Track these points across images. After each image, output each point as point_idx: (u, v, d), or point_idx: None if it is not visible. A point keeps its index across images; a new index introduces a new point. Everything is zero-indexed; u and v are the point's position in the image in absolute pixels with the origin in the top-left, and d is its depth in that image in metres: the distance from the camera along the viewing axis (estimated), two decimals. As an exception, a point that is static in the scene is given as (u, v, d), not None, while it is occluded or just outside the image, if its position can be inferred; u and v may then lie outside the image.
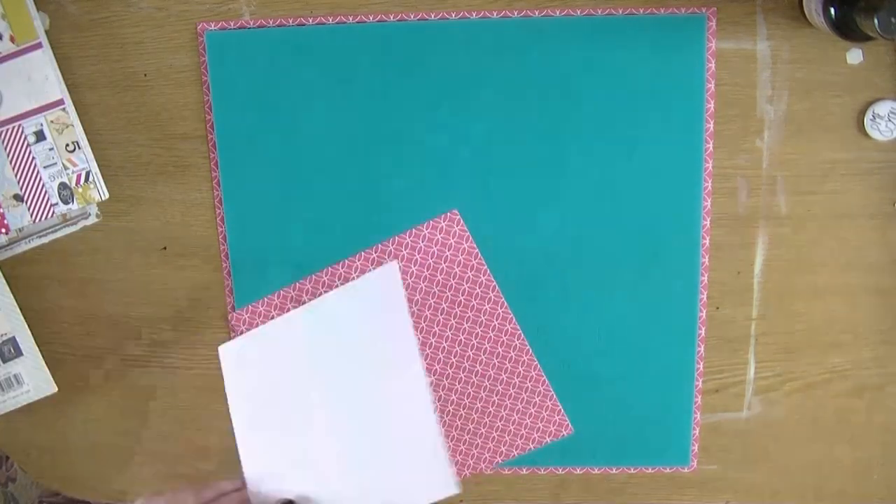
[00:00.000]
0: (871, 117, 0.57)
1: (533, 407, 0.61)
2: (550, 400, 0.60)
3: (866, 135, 0.57)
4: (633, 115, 0.57)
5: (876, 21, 0.46)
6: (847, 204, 0.59)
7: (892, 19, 0.46)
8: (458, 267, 0.58)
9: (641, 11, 0.56)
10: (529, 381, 0.60)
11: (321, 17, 0.57)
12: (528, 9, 0.56)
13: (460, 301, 0.59)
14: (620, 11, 0.56)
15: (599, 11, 0.56)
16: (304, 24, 0.57)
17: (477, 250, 0.58)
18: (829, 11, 0.51)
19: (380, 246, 0.59)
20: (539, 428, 0.61)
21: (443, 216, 0.58)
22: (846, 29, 0.51)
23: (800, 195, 0.59)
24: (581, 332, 0.60)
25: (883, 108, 0.57)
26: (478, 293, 0.59)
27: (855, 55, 0.56)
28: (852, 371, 0.61)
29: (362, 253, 0.59)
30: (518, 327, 0.59)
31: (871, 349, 0.61)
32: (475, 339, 0.59)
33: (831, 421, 0.62)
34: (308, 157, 0.59)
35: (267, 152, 0.59)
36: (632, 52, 0.56)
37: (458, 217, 0.58)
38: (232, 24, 0.57)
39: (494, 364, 0.60)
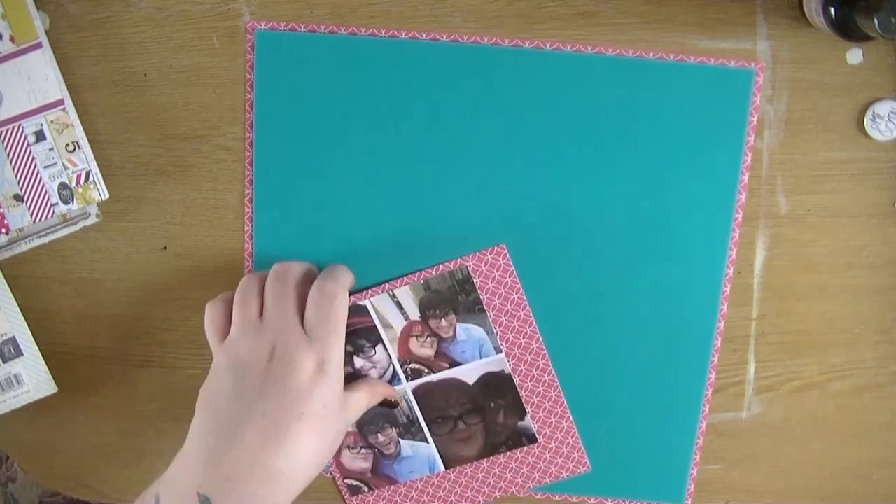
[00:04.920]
0: (871, 117, 0.57)
1: (554, 442, 0.61)
2: (572, 437, 0.61)
3: (866, 135, 0.57)
4: (670, 158, 0.57)
5: (876, 21, 0.46)
6: (847, 204, 0.59)
7: (893, 19, 0.46)
8: (498, 300, 0.58)
9: (692, 59, 0.56)
10: (554, 417, 0.60)
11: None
12: (580, 43, 0.56)
13: (497, 332, 0.59)
14: (672, 57, 0.56)
15: (651, 54, 0.56)
16: (355, 34, 0.57)
17: (520, 285, 0.58)
18: (829, 11, 0.51)
19: (422, 272, 0.58)
20: (557, 463, 0.61)
21: (490, 249, 0.58)
22: (846, 29, 0.51)
23: (800, 195, 0.59)
24: (599, 366, 0.61)
25: (883, 108, 0.57)
26: (515, 327, 0.59)
27: (855, 55, 0.56)
28: (852, 371, 0.61)
29: (405, 277, 0.59)
30: (549, 363, 0.59)
31: (871, 349, 0.61)
32: (506, 369, 0.59)
33: (831, 421, 0.62)
34: (347, 170, 0.59)
35: (303, 157, 0.59)
36: (677, 98, 0.56)
37: (505, 251, 0.58)
38: (283, 25, 0.57)
39: (522, 396, 0.60)
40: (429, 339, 0.59)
